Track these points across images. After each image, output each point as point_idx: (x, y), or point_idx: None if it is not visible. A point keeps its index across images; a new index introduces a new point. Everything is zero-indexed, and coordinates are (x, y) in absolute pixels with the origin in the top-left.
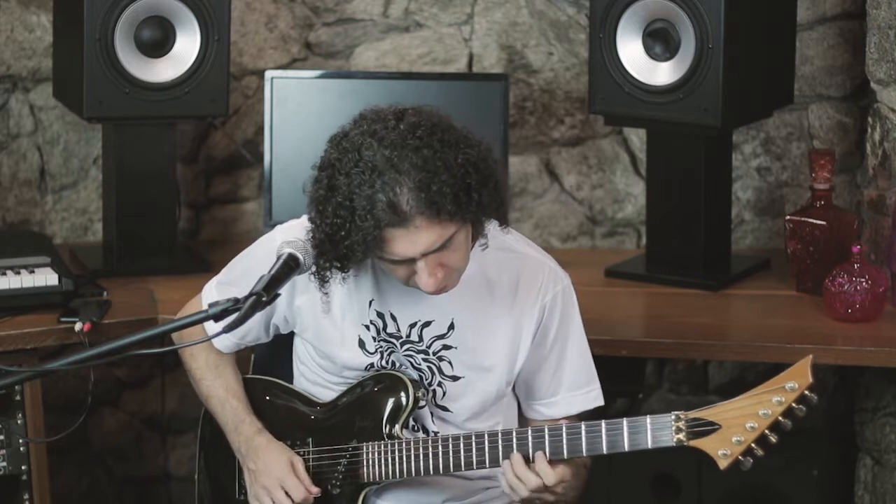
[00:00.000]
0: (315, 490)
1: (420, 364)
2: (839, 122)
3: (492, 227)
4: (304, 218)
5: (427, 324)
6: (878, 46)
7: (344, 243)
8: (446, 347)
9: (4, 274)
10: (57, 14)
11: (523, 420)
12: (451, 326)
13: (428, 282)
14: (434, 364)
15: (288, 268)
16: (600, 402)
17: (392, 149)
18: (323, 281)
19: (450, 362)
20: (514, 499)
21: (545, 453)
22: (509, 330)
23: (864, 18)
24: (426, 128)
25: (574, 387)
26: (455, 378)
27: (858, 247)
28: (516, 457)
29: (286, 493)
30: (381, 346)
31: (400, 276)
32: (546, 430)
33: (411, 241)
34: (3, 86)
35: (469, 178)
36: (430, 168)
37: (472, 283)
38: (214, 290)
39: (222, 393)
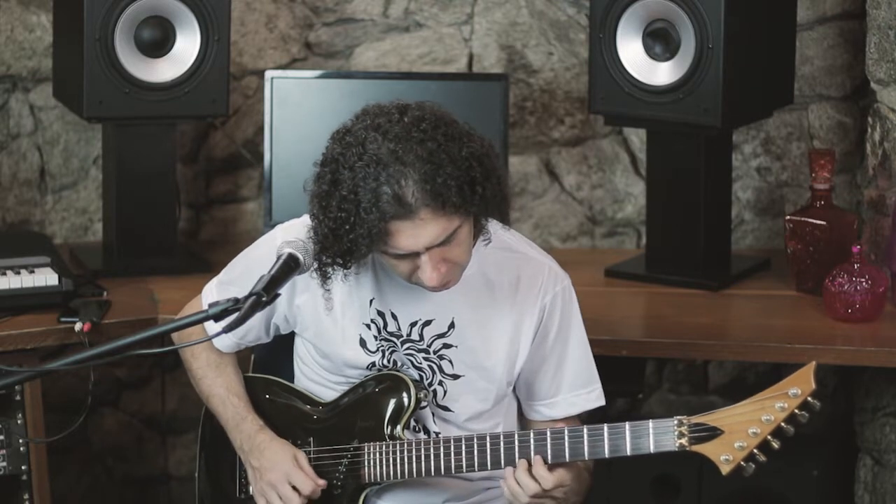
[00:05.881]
0: (322, 483)
1: (421, 363)
2: (839, 122)
3: (493, 225)
4: (305, 217)
5: (427, 322)
6: (878, 46)
7: (348, 237)
8: (447, 346)
9: (4, 274)
10: (57, 14)
11: (524, 421)
12: (452, 325)
13: (431, 276)
14: (434, 363)
15: (288, 268)
16: (601, 401)
17: (396, 142)
18: (325, 278)
19: (450, 361)
20: None
21: (547, 457)
22: (509, 330)
23: (864, 18)
24: (430, 121)
25: (575, 387)
26: (455, 377)
27: (858, 247)
28: (520, 462)
29: (293, 488)
30: (382, 345)
31: (403, 271)
32: (548, 434)
33: (416, 233)
34: (3, 86)
35: (473, 171)
36: (434, 160)
37: (473, 282)
38: (215, 290)
39: (223, 392)
